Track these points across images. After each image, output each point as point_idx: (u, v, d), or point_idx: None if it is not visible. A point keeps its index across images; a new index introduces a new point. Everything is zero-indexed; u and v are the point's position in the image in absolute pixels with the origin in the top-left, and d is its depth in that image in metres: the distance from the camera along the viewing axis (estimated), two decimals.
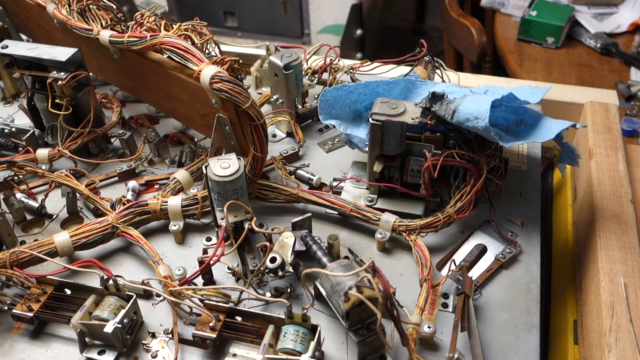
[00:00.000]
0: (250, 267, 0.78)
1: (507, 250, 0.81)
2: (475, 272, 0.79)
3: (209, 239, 0.81)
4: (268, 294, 0.75)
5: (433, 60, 1.05)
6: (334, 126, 0.90)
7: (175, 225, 0.84)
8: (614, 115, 1.05)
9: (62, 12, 0.98)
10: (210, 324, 0.69)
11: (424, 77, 1.01)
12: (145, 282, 0.74)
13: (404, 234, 0.81)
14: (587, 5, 1.86)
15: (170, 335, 0.72)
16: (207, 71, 0.79)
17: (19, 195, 0.90)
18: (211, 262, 0.74)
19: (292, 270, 0.76)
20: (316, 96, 0.96)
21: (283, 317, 0.67)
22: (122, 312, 0.69)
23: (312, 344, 0.64)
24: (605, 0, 1.86)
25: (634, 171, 0.96)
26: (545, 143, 1.03)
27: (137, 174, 0.97)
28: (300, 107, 1.05)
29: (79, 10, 0.98)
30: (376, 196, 0.88)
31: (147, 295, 0.77)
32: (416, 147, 0.84)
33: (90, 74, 0.94)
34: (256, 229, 0.75)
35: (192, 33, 0.92)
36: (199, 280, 0.77)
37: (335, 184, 0.91)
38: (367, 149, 0.85)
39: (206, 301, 0.71)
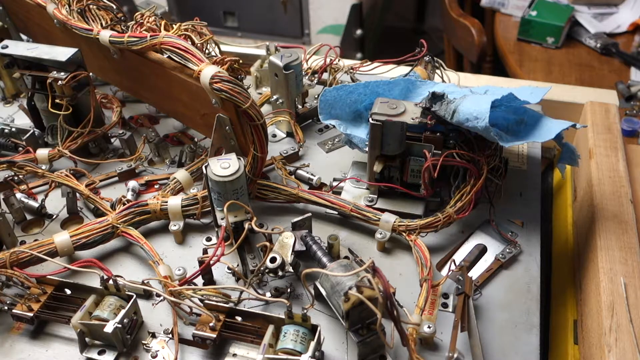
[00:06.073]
0: (250, 267, 0.78)
1: (507, 250, 0.81)
2: (475, 272, 0.79)
3: (209, 239, 0.81)
4: (268, 294, 0.75)
5: (433, 60, 1.05)
6: (334, 126, 0.90)
7: (175, 225, 0.84)
8: (614, 115, 1.05)
9: (62, 12, 0.98)
10: (210, 324, 0.69)
11: (424, 77, 1.01)
12: (145, 282, 0.74)
13: (404, 234, 0.81)
14: (587, 5, 1.86)
15: (170, 335, 0.72)
16: (207, 71, 0.79)
17: (19, 195, 0.90)
18: (211, 262, 0.74)
19: (292, 270, 0.76)
20: (316, 96, 0.96)
21: (283, 317, 0.67)
22: (122, 312, 0.69)
23: (312, 344, 0.64)
24: (605, 0, 1.86)
25: (634, 171, 0.96)
26: (545, 143, 1.03)
27: (137, 174, 0.97)
28: (300, 107, 1.05)
29: (79, 10, 0.98)
30: (376, 196, 0.88)
31: (147, 295, 0.77)
32: (416, 147, 0.84)
33: (90, 74, 0.94)
34: (256, 229, 0.75)
35: (192, 33, 0.92)
36: (199, 280, 0.77)
37: (335, 184, 0.91)
38: (367, 149, 0.85)
39: (206, 301, 0.71)
